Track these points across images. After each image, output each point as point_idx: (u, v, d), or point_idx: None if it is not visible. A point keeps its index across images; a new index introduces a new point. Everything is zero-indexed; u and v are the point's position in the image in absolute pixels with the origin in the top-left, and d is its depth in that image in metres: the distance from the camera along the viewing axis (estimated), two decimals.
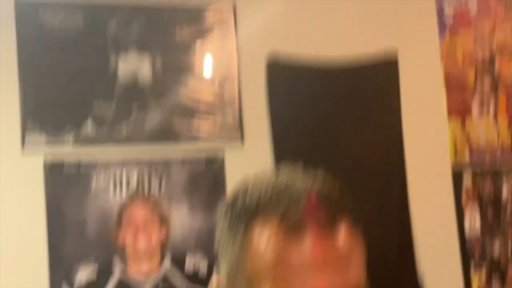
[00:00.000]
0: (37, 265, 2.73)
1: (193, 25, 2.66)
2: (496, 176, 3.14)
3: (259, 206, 0.45)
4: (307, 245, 0.43)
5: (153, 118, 2.69)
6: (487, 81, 3.23)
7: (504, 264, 3.03)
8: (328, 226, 0.44)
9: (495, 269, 3.06)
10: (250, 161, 2.81)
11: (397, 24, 3.07)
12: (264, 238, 0.44)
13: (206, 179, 2.89)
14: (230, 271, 0.50)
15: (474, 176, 3.13)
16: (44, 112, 2.59)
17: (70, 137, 2.56)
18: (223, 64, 2.74)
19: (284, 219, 0.44)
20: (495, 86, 3.23)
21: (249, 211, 0.46)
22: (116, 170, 2.73)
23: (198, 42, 2.66)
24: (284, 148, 2.91)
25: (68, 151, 2.62)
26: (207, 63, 2.74)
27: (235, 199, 0.49)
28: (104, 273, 2.58)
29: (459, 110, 3.16)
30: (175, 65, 2.60)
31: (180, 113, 2.73)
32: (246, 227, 0.45)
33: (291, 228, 0.43)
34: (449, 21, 3.06)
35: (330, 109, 3.02)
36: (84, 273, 2.58)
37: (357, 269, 0.50)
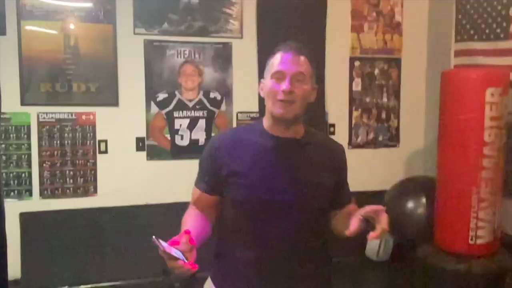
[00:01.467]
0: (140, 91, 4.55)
1: None
2: (372, 63, 5.31)
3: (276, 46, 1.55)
4: (286, 55, 1.48)
5: (198, 23, 4.64)
6: (374, 13, 5.28)
7: (370, 108, 5.32)
8: (297, 52, 1.48)
9: (366, 110, 5.32)
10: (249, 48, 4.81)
11: None
12: (274, 56, 1.54)
13: (222, 55, 4.81)
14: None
15: (361, 62, 5.27)
16: (145, 15, 4.49)
17: (156, 30, 4.50)
18: None
19: (283, 49, 1.52)
20: (378, 16, 5.30)
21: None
22: (178, 46, 4.63)
23: None
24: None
25: (156, 37, 4.54)
26: None
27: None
28: (171, 96, 4.65)
29: (356, 28, 5.24)
30: None
31: (212, 21, 4.69)
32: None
33: (284, 51, 1.50)
34: None
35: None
36: (161, 95, 4.65)
37: (309, 82, 1.54)
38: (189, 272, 1.31)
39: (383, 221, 1.38)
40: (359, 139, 5.35)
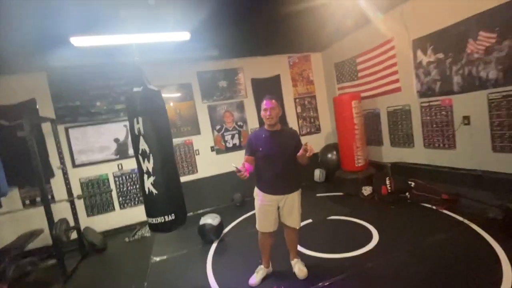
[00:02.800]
0: (208, 126, 4.85)
1: None
2: (303, 99, 6.05)
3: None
4: (267, 101, 2.11)
5: (227, 94, 5.37)
6: (301, 77, 5.92)
7: (305, 117, 6.04)
8: (270, 98, 2.10)
9: (304, 118, 6.03)
10: (251, 102, 5.40)
11: None
12: (263, 101, 2.06)
13: (240, 106, 4.94)
14: None
15: (298, 99, 5.89)
16: (205, 94, 4.72)
17: (211, 100, 5.18)
18: None
19: (265, 98, 2.09)
20: (302, 78, 5.94)
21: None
22: (222, 105, 4.81)
23: None
24: None
25: (211, 103, 4.99)
26: None
27: None
28: (221, 126, 4.82)
29: (295, 85, 5.76)
30: None
31: (234, 92, 5.38)
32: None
33: (266, 99, 2.09)
34: None
35: None
36: (217, 127, 4.77)
37: (277, 109, 2.10)
38: (246, 177, 1.93)
39: (304, 148, 1.91)
40: (303, 131, 5.68)
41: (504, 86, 2.76)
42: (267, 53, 5.06)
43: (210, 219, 3.37)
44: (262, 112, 2.17)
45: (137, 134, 2.10)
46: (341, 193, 4.47)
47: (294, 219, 2.26)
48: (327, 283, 2.24)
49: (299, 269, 2.36)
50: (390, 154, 4.40)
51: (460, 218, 2.97)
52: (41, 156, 3.38)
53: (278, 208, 2.24)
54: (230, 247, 3.18)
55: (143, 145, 2.09)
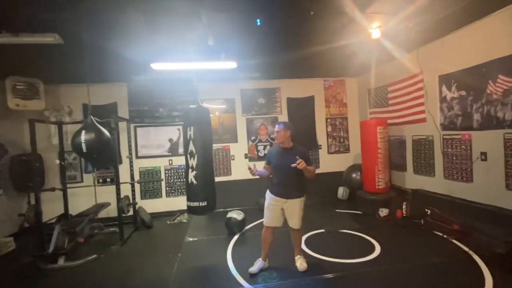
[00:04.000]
0: (245, 137, 5.75)
1: None
2: (335, 119, 6.43)
3: None
4: (278, 126, 2.67)
5: (264, 110, 6.11)
6: (334, 99, 6.40)
7: (335, 137, 6.38)
8: (279, 124, 2.65)
9: (333, 138, 6.36)
10: (284, 118, 6.01)
11: None
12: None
13: (274, 121, 5.89)
14: None
15: (330, 119, 6.31)
16: (245, 109, 5.81)
17: (249, 114, 5.99)
18: None
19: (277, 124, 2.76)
20: (336, 100, 6.43)
21: None
22: (258, 119, 5.43)
23: None
24: None
25: (250, 116, 5.95)
26: None
27: None
28: (255, 138, 5.40)
29: (327, 106, 6.24)
30: None
31: (270, 108, 6.17)
32: None
33: (277, 124, 2.68)
34: None
35: None
36: (252, 137, 5.42)
37: (284, 133, 2.61)
38: (254, 174, 2.47)
39: (299, 163, 2.33)
40: (332, 150, 6.03)
41: None
42: (303, 76, 5.62)
43: (236, 215, 4.03)
44: (275, 134, 2.76)
45: (188, 138, 2.89)
46: (359, 212, 4.73)
47: (294, 221, 2.73)
48: (323, 277, 2.67)
49: (301, 263, 2.81)
50: (412, 180, 4.58)
51: (466, 249, 3.12)
52: (116, 147, 4.43)
53: (282, 210, 2.74)
54: (248, 240, 3.78)
55: (191, 147, 2.86)
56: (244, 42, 3.31)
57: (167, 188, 5.28)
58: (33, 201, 3.97)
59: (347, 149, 5.94)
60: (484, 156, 3.30)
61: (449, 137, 3.78)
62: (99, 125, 2.77)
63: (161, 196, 5.25)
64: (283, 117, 5.69)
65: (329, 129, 5.92)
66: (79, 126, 4.55)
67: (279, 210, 2.72)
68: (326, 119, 5.88)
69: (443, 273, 2.66)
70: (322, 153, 5.86)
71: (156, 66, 3.55)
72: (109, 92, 5.08)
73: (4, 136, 4.31)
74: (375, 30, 3.25)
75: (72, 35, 2.86)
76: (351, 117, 5.94)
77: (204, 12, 2.64)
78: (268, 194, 2.79)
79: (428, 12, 2.96)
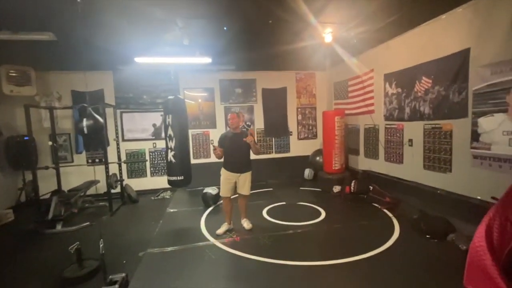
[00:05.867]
0: (223, 123, 6.52)
1: None
2: (305, 109, 7.03)
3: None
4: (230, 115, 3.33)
5: (241, 99, 6.65)
6: (305, 91, 6.99)
7: (305, 125, 7.04)
8: (233, 113, 3.40)
9: (304, 126, 7.05)
10: (260, 107, 6.53)
11: None
12: None
13: (251, 109, 6.61)
14: None
15: (300, 109, 6.92)
16: (223, 97, 6.36)
17: (227, 102, 6.55)
18: None
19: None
20: (306, 91, 7.04)
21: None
22: (235, 107, 6.34)
23: None
24: None
25: (227, 104, 6.52)
26: None
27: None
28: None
29: (298, 97, 6.94)
30: None
31: (247, 98, 6.69)
32: None
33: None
34: None
35: None
36: None
37: (238, 120, 3.94)
38: (218, 155, 3.14)
39: (248, 137, 3.07)
40: (301, 136, 6.64)
41: (433, 120, 3.69)
42: (277, 68, 6.15)
43: (211, 190, 4.70)
44: (228, 121, 3.33)
45: (167, 124, 3.48)
46: (319, 189, 5.49)
47: (246, 189, 3.37)
48: (275, 234, 3.37)
49: (247, 224, 3.50)
50: (363, 163, 5.35)
51: (390, 215, 3.95)
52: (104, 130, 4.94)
53: (235, 182, 3.36)
54: (220, 211, 4.44)
55: (170, 132, 3.46)
56: (215, 42, 3.85)
57: (152, 168, 5.85)
58: (28, 178, 4.48)
59: (315, 136, 6.63)
60: (410, 142, 4.08)
61: (389, 126, 4.53)
62: (95, 114, 3.31)
63: (146, 176, 5.81)
64: (258, 106, 6.27)
65: (300, 117, 6.55)
66: (69, 111, 5.06)
67: (233, 183, 3.35)
68: (297, 108, 6.48)
69: (367, 231, 3.45)
70: (293, 139, 6.52)
71: (139, 60, 4.05)
72: (97, 79, 5.48)
73: None
74: (327, 35, 3.87)
75: (64, 32, 3.31)
76: (319, 107, 6.57)
77: (179, 18, 3.16)
78: (223, 171, 3.39)
79: (368, 23, 3.60)
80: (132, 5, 2.77)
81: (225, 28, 3.21)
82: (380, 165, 4.79)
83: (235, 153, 3.19)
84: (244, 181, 3.31)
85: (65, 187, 4.86)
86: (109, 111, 5.34)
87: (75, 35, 3.36)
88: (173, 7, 2.79)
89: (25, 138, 4.62)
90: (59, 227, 3.88)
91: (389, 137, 4.54)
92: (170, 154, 3.36)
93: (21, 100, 4.70)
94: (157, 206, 4.89)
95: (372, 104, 4.93)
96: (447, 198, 3.40)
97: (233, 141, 3.20)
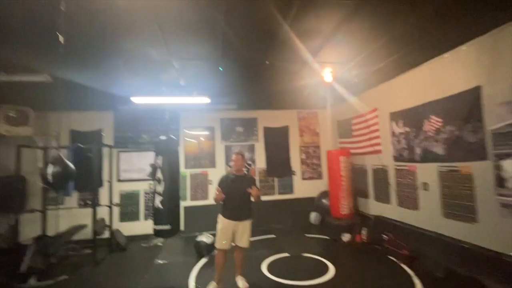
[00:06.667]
0: (222, 162, 6.32)
1: None
2: (308, 148, 6.80)
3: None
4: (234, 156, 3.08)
5: (242, 137, 6.50)
6: (308, 129, 6.86)
7: (309, 164, 6.73)
8: (237, 155, 3.09)
9: (307, 165, 6.71)
10: (261, 146, 6.36)
11: None
12: None
13: (251, 148, 6.36)
14: None
15: (304, 148, 6.67)
16: (224, 136, 6.24)
17: (228, 141, 6.40)
18: None
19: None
20: (309, 130, 6.88)
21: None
22: (236, 146, 6.15)
23: None
24: None
25: (228, 143, 6.39)
26: None
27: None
28: None
29: (301, 135, 6.73)
30: None
31: (248, 136, 6.57)
32: None
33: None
34: None
35: None
36: (231, 164, 6.16)
37: (242, 162, 3.04)
38: (221, 197, 2.80)
39: (252, 189, 2.80)
40: (305, 176, 6.33)
41: (448, 162, 3.34)
42: (279, 107, 6.10)
43: (205, 238, 4.25)
44: (231, 162, 3.09)
45: (156, 166, 3.23)
46: (326, 237, 4.95)
47: (244, 241, 2.99)
48: None
49: (243, 283, 3.01)
50: (374, 207, 4.90)
51: (411, 273, 3.39)
52: (98, 171, 4.76)
53: (233, 232, 2.98)
54: (213, 263, 3.93)
55: (159, 175, 3.20)
56: (213, 82, 3.78)
57: (146, 211, 5.49)
58: (11, 222, 4.18)
59: (320, 176, 6.29)
60: (425, 186, 3.68)
61: (399, 168, 4.18)
62: (64, 159, 3.09)
63: (139, 219, 5.44)
64: (260, 144, 6.09)
65: (303, 156, 6.29)
66: (65, 151, 4.93)
67: (231, 233, 2.98)
68: (300, 147, 6.27)
69: None
70: (297, 179, 6.18)
71: (135, 99, 3.99)
72: (96, 119, 5.47)
73: None
74: (327, 74, 3.77)
75: (61, 74, 3.29)
76: (323, 146, 6.35)
77: (175, 60, 3.12)
78: (221, 218, 3.04)
79: (368, 63, 3.50)
80: (127, 47, 2.72)
81: (220, 69, 3.12)
82: (393, 211, 4.33)
83: (235, 198, 2.89)
84: (243, 231, 2.96)
85: (53, 231, 4.51)
86: (107, 150, 5.21)
87: (72, 76, 3.32)
88: (168, 49, 2.72)
89: (19, 178, 4.45)
90: (33, 281, 3.46)
91: (400, 179, 4.16)
92: (157, 200, 3.07)
93: (18, 139, 4.62)
94: (146, 256, 4.44)
95: (378, 144, 4.66)
96: (475, 253, 2.91)
97: (235, 184, 2.92)
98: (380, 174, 4.64)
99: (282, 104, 5.80)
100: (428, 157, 3.60)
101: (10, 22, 2.12)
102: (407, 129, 3.98)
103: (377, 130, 4.69)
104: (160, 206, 3.08)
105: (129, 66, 3.11)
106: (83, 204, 5.24)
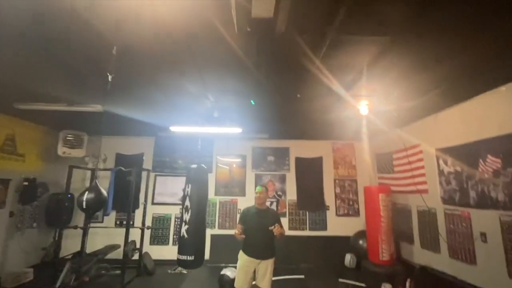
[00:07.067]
0: (252, 190, 6.16)
1: None
2: (344, 181, 6.38)
3: None
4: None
5: (273, 166, 6.42)
6: (343, 161, 6.53)
7: (344, 199, 6.28)
8: (262, 186, 3.00)
9: (342, 200, 6.29)
10: (292, 177, 6.21)
11: None
12: None
13: (283, 178, 6.31)
14: None
15: (338, 181, 6.27)
16: (255, 165, 6.28)
17: (258, 170, 6.40)
18: None
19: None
20: (345, 162, 6.54)
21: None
22: (267, 175, 5.98)
23: None
24: None
25: (258, 172, 6.37)
26: None
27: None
28: None
29: (336, 167, 6.36)
30: None
31: (279, 166, 6.51)
32: None
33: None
34: None
35: None
36: None
37: (266, 195, 2.96)
38: (241, 238, 2.67)
39: (275, 226, 2.62)
40: (340, 212, 5.91)
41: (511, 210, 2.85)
42: (312, 137, 5.96)
43: (230, 272, 4.09)
44: (255, 195, 3.01)
45: (185, 194, 3.30)
46: (363, 285, 4.43)
47: (266, 283, 2.77)
48: None
49: None
50: (420, 255, 4.31)
51: None
52: (135, 193, 5.04)
53: (254, 271, 2.82)
54: None
55: (187, 203, 3.24)
56: (244, 113, 3.88)
57: (175, 236, 5.56)
58: (56, 237, 4.54)
59: (356, 213, 5.82)
60: (484, 237, 3.15)
61: (450, 212, 3.68)
62: (99, 187, 3.31)
63: (168, 243, 5.51)
64: (291, 175, 5.93)
65: (338, 190, 5.94)
66: (109, 172, 5.36)
67: (252, 272, 2.82)
68: (335, 180, 5.96)
69: None
70: (330, 214, 5.81)
71: (174, 128, 4.25)
72: (139, 144, 5.93)
73: (49, 177, 5.18)
74: (363, 107, 3.62)
75: (111, 105, 3.67)
76: (361, 180, 5.95)
77: (210, 93, 3.29)
78: (241, 255, 2.91)
79: (408, 96, 3.29)
80: (168, 82, 2.96)
81: (252, 102, 3.19)
82: (443, 262, 3.75)
83: (257, 234, 2.77)
84: (265, 271, 2.78)
85: (91, 248, 4.79)
86: (145, 173, 5.54)
87: (120, 107, 3.68)
88: (204, 84, 2.89)
89: (69, 195, 4.93)
90: None
91: (452, 226, 3.64)
92: (184, 228, 3.07)
93: (71, 161, 5.18)
94: (170, 283, 4.42)
95: (424, 183, 4.21)
96: None
97: (257, 219, 2.82)
98: (427, 217, 4.13)
99: (316, 134, 5.66)
100: (485, 202, 3.11)
101: (72, 65, 2.47)
102: (458, 168, 3.54)
103: (421, 167, 4.26)
104: (185, 235, 3.07)
105: (169, 99, 3.35)
106: (119, 224, 5.51)
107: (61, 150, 4.92)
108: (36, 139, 4.96)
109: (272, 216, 2.86)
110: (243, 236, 2.67)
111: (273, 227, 2.62)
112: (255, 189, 5.02)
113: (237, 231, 2.77)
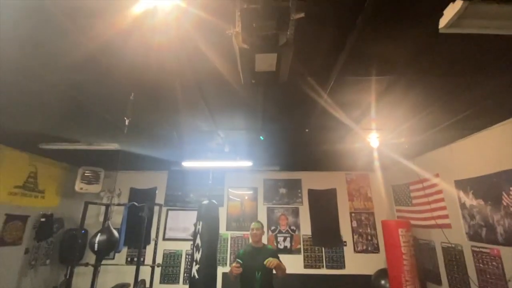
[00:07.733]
0: (265, 225, 6.14)
1: None
2: (360, 214, 6.07)
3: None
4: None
5: (286, 200, 6.34)
6: (358, 193, 6.37)
7: (361, 233, 5.96)
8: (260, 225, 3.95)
9: (359, 235, 5.85)
10: (305, 209, 6.06)
11: None
12: None
13: (295, 211, 6.13)
14: None
15: (354, 214, 5.90)
16: (266, 198, 6.25)
17: (270, 203, 6.33)
18: None
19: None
20: (360, 194, 6.35)
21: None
22: (278, 208, 5.84)
23: None
24: None
25: (270, 205, 6.29)
26: None
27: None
28: (276, 228, 5.80)
29: (351, 199, 6.20)
30: None
31: (292, 199, 6.39)
32: None
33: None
34: None
35: None
36: (272, 227, 5.95)
37: (262, 232, 2.99)
38: (238, 272, 2.56)
39: (271, 260, 2.50)
40: (358, 248, 5.61)
41: None
42: (325, 169, 5.90)
43: None
44: (250, 231, 2.92)
45: (196, 232, 3.29)
46: None
47: None
48: None
49: None
50: None
51: None
52: (147, 228, 5.05)
53: None
54: None
55: (198, 241, 3.22)
56: (254, 148, 3.96)
57: (185, 275, 5.40)
58: (67, 274, 4.53)
59: (376, 249, 5.51)
60: None
61: (478, 249, 3.44)
62: (112, 228, 3.36)
63: (178, 283, 5.35)
64: (304, 208, 5.80)
65: (354, 224, 5.70)
66: (122, 208, 5.45)
67: None
68: (350, 213, 5.76)
69: None
70: (348, 251, 5.52)
71: (186, 164, 4.37)
72: (152, 178, 6.07)
73: (65, 212, 5.32)
74: (373, 140, 3.63)
75: (127, 142, 3.87)
76: (378, 213, 5.72)
77: (220, 130, 3.43)
78: None
79: (419, 129, 3.28)
80: (180, 120, 3.13)
81: (261, 138, 3.29)
82: None
83: (255, 273, 2.67)
84: None
85: (101, 287, 4.72)
86: (157, 207, 5.59)
87: (135, 144, 3.88)
88: (214, 121, 3.03)
89: (83, 231, 5.00)
90: None
91: (481, 265, 3.37)
92: (194, 268, 3.01)
93: (87, 196, 5.34)
94: None
95: (445, 217, 4.00)
96: None
97: (253, 258, 2.74)
98: (452, 254, 3.86)
99: (328, 165, 5.61)
100: None
101: (91, 109, 2.71)
102: (481, 201, 3.37)
103: (441, 200, 4.09)
104: (196, 275, 3.01)
105: (181, 135, 3.51)
106: (129, 260, 5.45)
107: (79, 186, 5.11)
108: (56, 175, 5.19)
109: (270, 253, 2.76)
110: (241, 269, 2.54)
111: (266, 261, 2.50)
112: (267, 224, 5.01)
113: (234, 264, 2.65)
